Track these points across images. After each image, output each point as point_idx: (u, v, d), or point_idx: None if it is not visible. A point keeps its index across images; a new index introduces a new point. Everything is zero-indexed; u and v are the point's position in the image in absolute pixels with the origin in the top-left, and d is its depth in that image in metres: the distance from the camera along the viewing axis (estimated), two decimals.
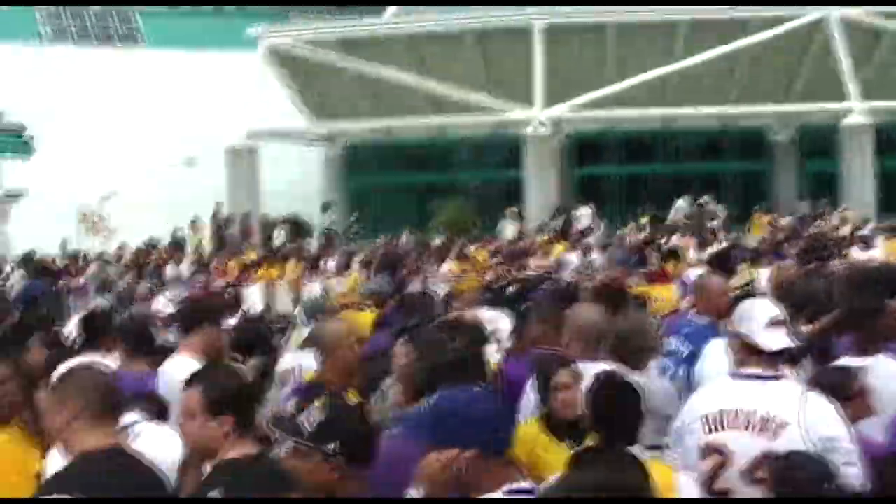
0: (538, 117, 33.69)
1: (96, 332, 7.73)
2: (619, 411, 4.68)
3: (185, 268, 25.38)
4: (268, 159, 36.72)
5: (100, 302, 10.70)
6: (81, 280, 25.84)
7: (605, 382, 4.88)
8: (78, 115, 43.32)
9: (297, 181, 42.35)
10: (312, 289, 23.33)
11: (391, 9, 40.14)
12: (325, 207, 35.54)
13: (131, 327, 7.64)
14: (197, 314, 7.11)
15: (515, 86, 34.36)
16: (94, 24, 48.28)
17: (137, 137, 42.85)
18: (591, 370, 5.59)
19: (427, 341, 5.84)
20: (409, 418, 4.26)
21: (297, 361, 7.61)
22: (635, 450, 4.54)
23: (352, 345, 6.20)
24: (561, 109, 34.14)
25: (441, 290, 20.83)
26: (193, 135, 42.25)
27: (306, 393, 5.67)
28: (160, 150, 42.58)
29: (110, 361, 6.76)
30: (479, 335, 6.93)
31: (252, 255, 26.01)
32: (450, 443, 3.56)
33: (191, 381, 4.40)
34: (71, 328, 9.20)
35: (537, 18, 34.65)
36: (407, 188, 41.57)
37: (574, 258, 22.35)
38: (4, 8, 39.65)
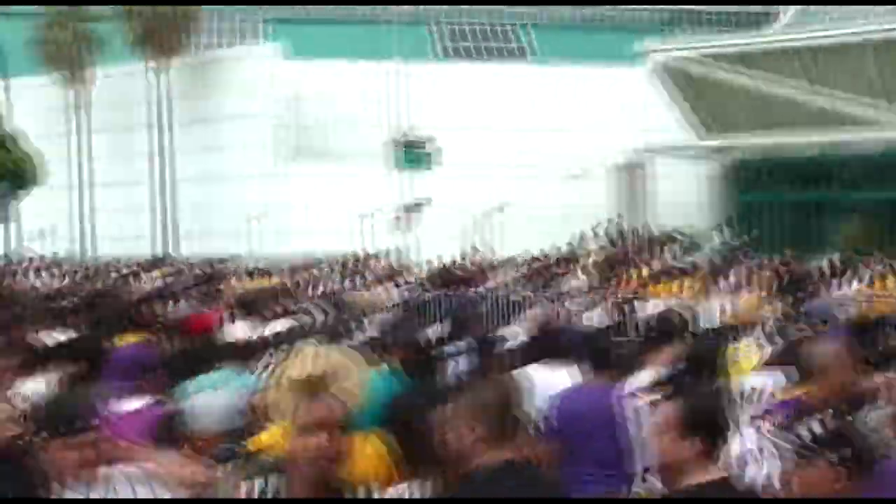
0: None
1: (550, 343, 7.68)
2: None
3: (584, 280, 25.94)
4: (656, 173, 36.87)
5: (541, 312, 11.03)
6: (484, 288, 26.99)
7: None
8: (473, 128, 45.32)
9: (684, 196, 42.29)
10: (710, 305, 23.29)
11: (783, 19, 39.24)
12: (720, 228, 35.17)
13: (593, 341, 7.43)
14: (669, 328, 7.33)
15: None
16: (484, 41, 50.16)
17: (529, 150, 44.26)
18: None
19: None
20: None
21: (767, 380, 7.04)
22: None
23: (847, 366, 6.14)
24: None
25: (847, 312, 20.30)
26: (582, 148, 43.21)
27: (798, 410, 5.76)
28: (550, 163, 43.78)
29: (569, 374, 6.98)
30: None
31: (651, 269, 26.17)
32: None
33: (672, 394, 4.40)
34: (511, 336, 9.39)
35: None
36: (797, 205, 40.43)
37: None
38: (404, 28, 42.06)
